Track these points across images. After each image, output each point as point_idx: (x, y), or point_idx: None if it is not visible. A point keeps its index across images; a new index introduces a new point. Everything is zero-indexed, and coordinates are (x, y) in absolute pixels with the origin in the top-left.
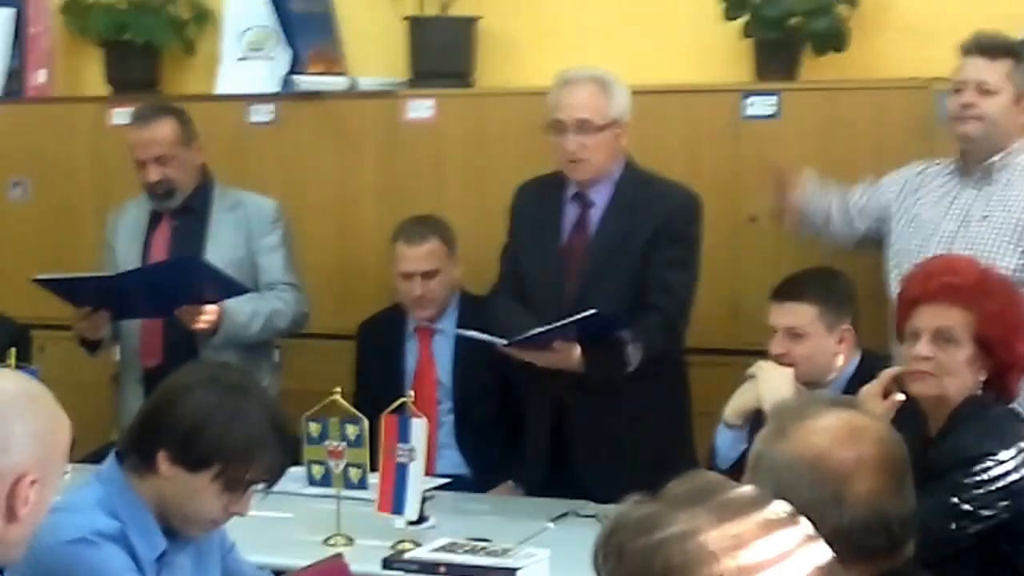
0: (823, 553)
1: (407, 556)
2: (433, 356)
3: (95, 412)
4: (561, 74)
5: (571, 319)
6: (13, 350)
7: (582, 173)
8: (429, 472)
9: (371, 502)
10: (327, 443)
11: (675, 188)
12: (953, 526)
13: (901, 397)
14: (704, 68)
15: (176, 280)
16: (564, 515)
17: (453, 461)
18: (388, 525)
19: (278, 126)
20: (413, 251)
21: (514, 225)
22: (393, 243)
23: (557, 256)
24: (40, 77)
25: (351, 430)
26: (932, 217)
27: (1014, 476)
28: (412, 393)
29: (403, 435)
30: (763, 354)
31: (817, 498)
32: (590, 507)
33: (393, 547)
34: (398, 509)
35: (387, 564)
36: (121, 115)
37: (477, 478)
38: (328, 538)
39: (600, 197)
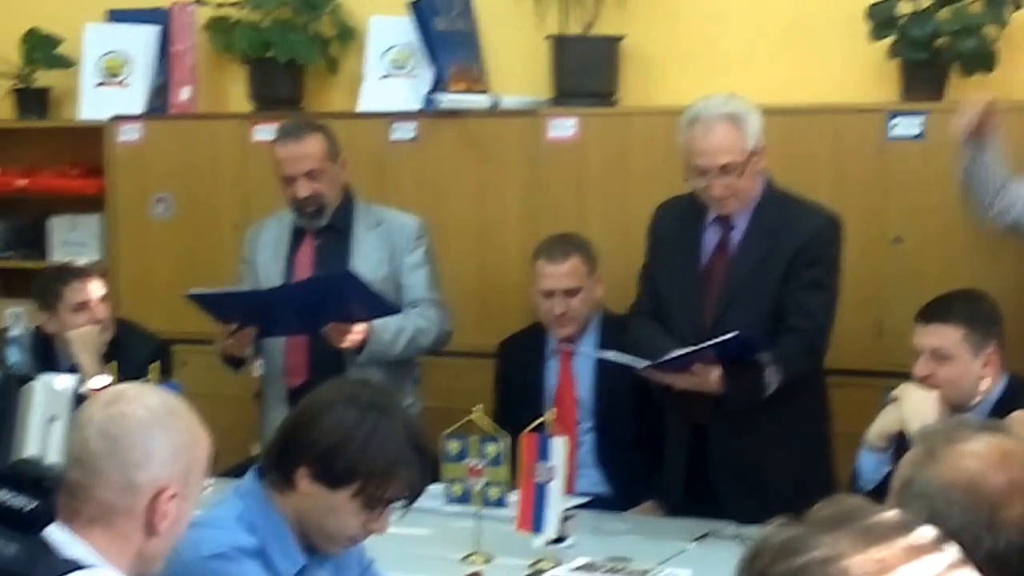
0: None
1: (546, 575)
2: (574, 374)
3: (236, 426)
4: (690, 113)
5: (712, 342)
6: (155, 364)
7: (731, 208)
8: (569, 491)
9: (510, 520)
10: (467, 461)
11: (815, 210)
12: None
13: None
14: (850, 88)
15: (328, 296)
16: (705, 535)
17: (593, 480)
18: (527, 544)
19: (420, 144)
20: (555, 269)
21: (653, 246)
22: (534, 261)
23: (698, 279)
24: (184, 94)
25: (491, 449)
26: None
27: None
28: (553, 411)
29: (543, 454)
30: (907, 376)
31: (971, 523)
32: (731, 528)
33: (532, 566)
34: (537, 528)
35: None
36: (264, 132)
37: (617, 497)
38: (467, 556)
39: (741, 219)
